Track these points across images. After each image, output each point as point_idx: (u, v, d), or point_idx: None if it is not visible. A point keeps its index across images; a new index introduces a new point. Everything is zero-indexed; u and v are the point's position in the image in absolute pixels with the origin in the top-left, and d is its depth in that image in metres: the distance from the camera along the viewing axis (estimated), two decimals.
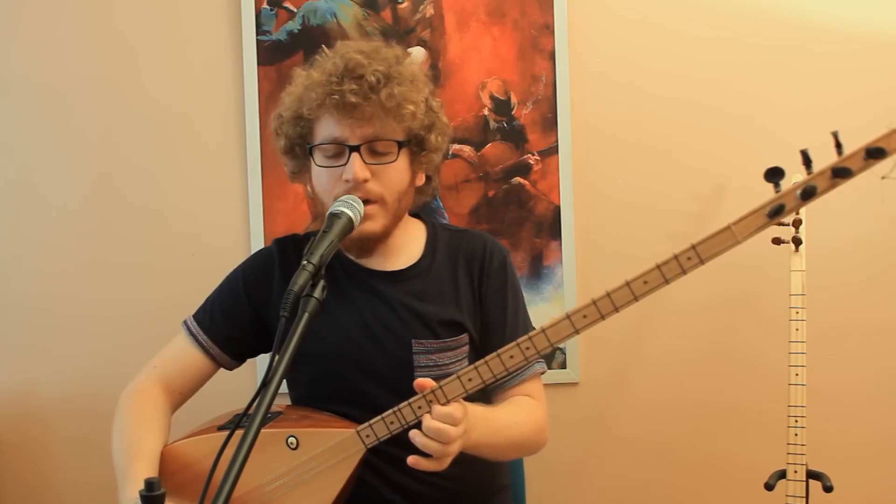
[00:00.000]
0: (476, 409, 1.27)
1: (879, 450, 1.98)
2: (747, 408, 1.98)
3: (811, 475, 1.65)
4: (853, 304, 1.96)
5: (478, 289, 1.47)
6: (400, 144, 1.37)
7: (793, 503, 1.65)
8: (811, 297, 1.73)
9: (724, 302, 1.97)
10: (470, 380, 1.21)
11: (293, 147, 1.43)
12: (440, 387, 1.20)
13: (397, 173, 1.38)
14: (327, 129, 1.36)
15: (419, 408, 1.21)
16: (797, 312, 1.68)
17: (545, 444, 1.47)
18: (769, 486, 1.65)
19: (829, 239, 1.91)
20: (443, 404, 1.20)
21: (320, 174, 1.39)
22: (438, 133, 1.43)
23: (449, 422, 1.18)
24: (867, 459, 1.97)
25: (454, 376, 1.21)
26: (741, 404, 1.98)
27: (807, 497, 1.64)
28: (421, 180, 1.47)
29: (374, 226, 1.36)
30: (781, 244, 1.74)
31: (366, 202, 1.33)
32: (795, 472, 1.64)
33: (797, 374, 1.66)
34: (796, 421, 1.65)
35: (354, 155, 1.33)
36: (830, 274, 1.93)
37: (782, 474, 1.66)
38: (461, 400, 1.22)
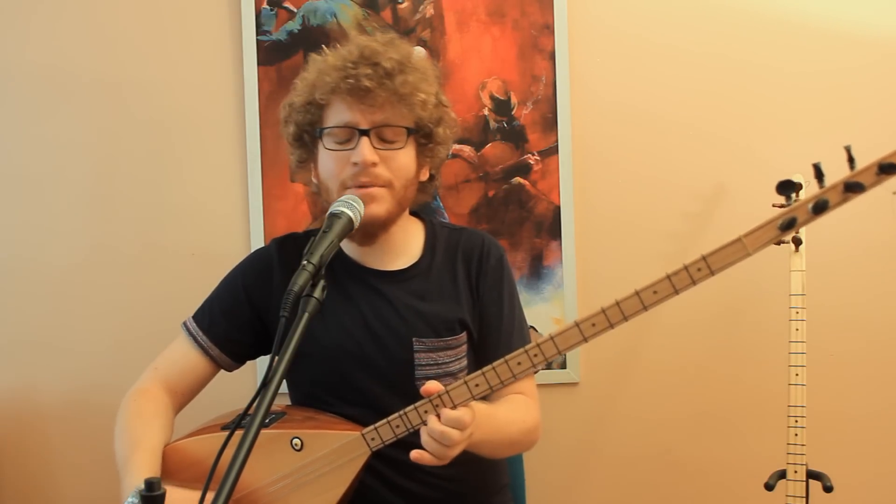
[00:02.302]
0: (480, 407, 1.27)
1: (879, 450, 1.98)
2: (747, 408, 1.98)
3: (811, 475, 1.65)
4: (853, 304, 1.96)
5: (475, 285, 1.48)
6: (409, 131, 1.38)
7: (793, 503, 1.65)
8: (811, 297, 1.73)
9: (724, 302, 1.97)
10: (477, 385, 1.20)
11: (302, 134, 1.44)
12: (447, 391, 1.20)
13: (405, 160, 1.39)
14: (339, 113, 1.37)
15: (425, 412, 1.21)
16: (797, 312, 1.68)
17: (537, 441, 1.47)
18: (769, 486, 1.66)
19: (829, 239, 1.91)
20: (451, 409, 1.20)
21: (328, 159, 1.39)
22: (446, 127, 1.45)
23: (457, 426, 1.18)
24: (867, 459, 1.97)
25: (461, 381, 1.20)
26: (741, 404, 1.98)
27: (807, 497, 1.65)
28: (425, 175, 1.47)
29: (378, 209, 1.36)
30: (781, 244, 1.74)
31: (372, 186, 1.35)
32: (795, 472, 1.65)
33: (797, 374, 1.66)
34: (796, 421, 1.65)
35: (364, 139, 1.35)
36: (830, 274, 1.93)
37: (782, 474, 1.66)
38: (470, 403, 1.21)
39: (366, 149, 1.34)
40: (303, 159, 1.47)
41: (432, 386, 1.20)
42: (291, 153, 1.49)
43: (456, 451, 1.20)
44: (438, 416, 1.19)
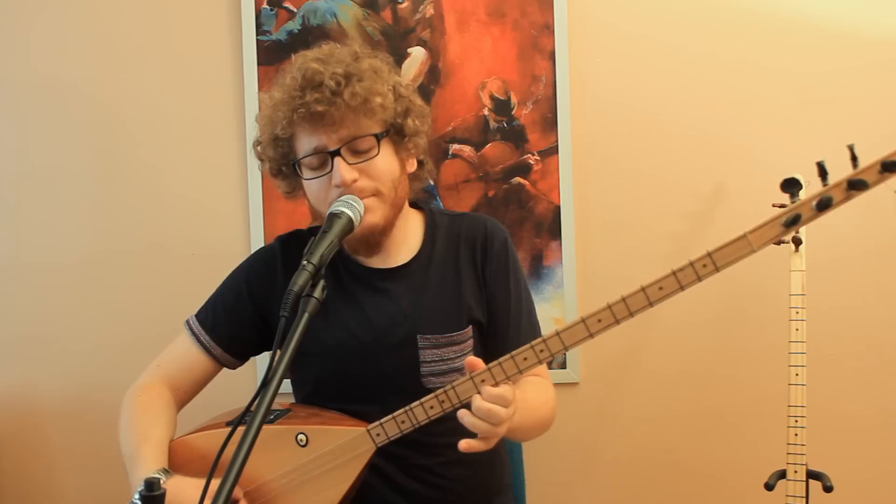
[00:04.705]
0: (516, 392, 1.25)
1: (879, 450, 1.98)
2: (747, 408, 1.98)
3: (811, 475, 1.65)
4: (853, 304, 1.96)
5: (481, 272, 1.47)
6: (378, 137, 1.36)
7: (793, 503, 1.65)
8: (811, 297, 1.73)
9: (724, 302, 1.97)
10: (483, 381, 1.20)
11: (280, 168, 1.43)
12: (453, 387, 1.20)
13: (385, 164, 1.37)
14: (305, 141, 1.36)
15: (431, 408, 1.22)
16: (797, 312, 1.68)
17: (554, 421, 1.49)
18: (769, 486, 1.66)
19: (829, 239, 1.92)
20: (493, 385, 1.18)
21: (311, 186, 1.39)
22: (415, 116, 1.42)
23: (500, 403, 1.17)
24: (867, 459, 1.97)
25: (467, 377, 1.20)
26: (741, 404, 1.98)
27: (807, 497, 1.65)
28: (412, 166, 1.46)
29: (374, 217, 1.36)
30: (781, 244, 1.74)
31: (363, 198, 1.34)
32: (795, 472, 1.65)
33: (797, 374, 1.66)
34: (796, 421, 1.65)
35: (337, 159, 1.33)
36: (830, 274, 1.94)
37: (782, 474, 1.67)
38: (510, 382, 1.20)
39: (342, 169, 1.32)
40: (290, 189, 1.46)
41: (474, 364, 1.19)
42: (278, 186, 1.48)
43: (503, 430, 1.18)
44: (467, 406, 1.18)
